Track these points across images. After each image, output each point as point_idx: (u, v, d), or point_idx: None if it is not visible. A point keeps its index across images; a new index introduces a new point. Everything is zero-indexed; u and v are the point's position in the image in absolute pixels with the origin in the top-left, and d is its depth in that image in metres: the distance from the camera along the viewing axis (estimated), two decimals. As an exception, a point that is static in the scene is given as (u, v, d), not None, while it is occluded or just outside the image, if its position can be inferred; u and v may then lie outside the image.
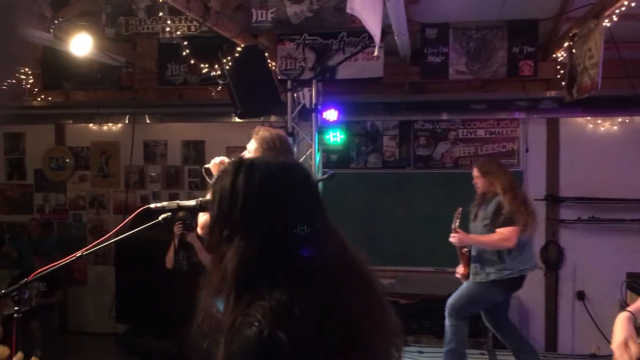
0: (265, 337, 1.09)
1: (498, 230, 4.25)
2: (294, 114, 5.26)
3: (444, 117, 6.26)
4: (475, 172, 4.53)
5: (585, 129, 6.06)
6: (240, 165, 1.26)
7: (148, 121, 6.62)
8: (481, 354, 4.94)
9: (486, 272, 4.33)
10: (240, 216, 1.20)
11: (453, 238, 4.38)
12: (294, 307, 1.11)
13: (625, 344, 1.69)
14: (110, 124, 6.94)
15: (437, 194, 6.36)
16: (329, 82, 5.63)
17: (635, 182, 5.77)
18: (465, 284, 4.46)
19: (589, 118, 6.01)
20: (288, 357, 1.09)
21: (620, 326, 1.77)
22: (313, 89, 5.07)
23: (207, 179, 3.51)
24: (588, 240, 5.98)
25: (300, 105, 5.29)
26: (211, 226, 1.25)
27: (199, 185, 6.77)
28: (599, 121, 6.00)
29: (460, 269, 4.57)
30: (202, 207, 2.09)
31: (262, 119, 5.84)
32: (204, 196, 3.05)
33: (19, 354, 1.20)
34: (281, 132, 3.18)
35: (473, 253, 4.44)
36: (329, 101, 5.33)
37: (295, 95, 5.30)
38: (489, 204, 4.37)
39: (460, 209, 4.48)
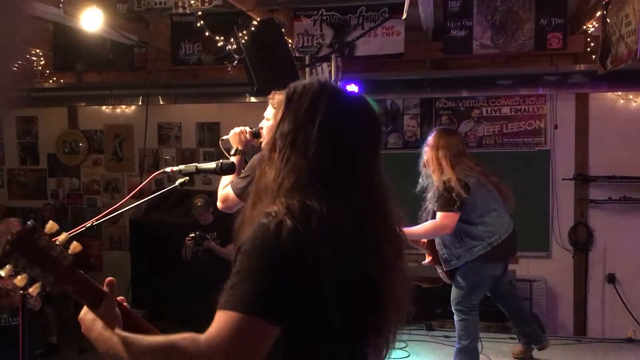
0: (274, 222, 1.14)
1: (438, 214, 3.84)
2: (312, 91, 5.06)
3: (467, 94, 6.03)
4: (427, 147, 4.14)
5: (616, 105, 5.80)
6: (324, 87, 1.33)
7: (162, 102, 6.47)
8: (510, 338, 4.74)
9: (456, 256, 3.94)
10: (315, 131, 1.26)
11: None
12: (313, 215, 1.16)
13: None
14: (123, 107, 6.79)
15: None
16: (348, 59, 5.43)
17: (669, 160, 5.53)
18: (457, 277, 4.03)
19: (620, 93, 5.74)
20: (286, 249, 1.12)
21: None
22: (332, 65, 4.86)
23: (225, 153, 3.35)
24: (619, 221, 5.74)
25: (318, 80, 5.09)
26: (275, 136, 1.33)
27: (215, 168, 6.60)
28: (631, 96, 5.73)
29: (427, 259, 4.22)
30: (223, 170, 1.91)
31: (279, 97, 5.65)
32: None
33: (63, 235, 1.26)
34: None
35: (436, 242, 4.05)
36: (348, 78, 5.13)
37: (313, 71, 5.10)
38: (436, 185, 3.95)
39: None
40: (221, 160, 2.01)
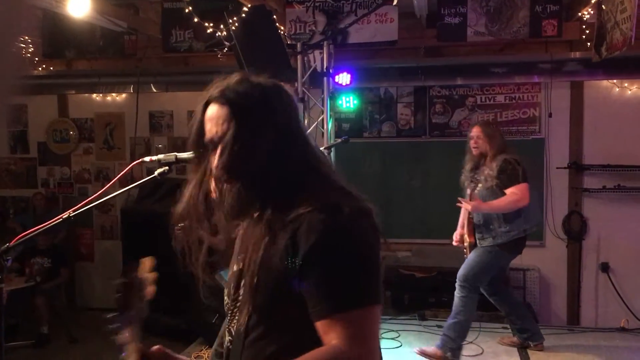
0: (348, 214, 1.12)
1: (508, 190, 4.05)
2: (304, 79, 5.00)
3: (461, 82, 5.96)
4: (478, 132, 4.30)
5: (611, 93, 5.75)
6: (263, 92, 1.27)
7: (153, 90, 6.39)
8: (503, 327, 4.72)
9: (492, 235, 4.16)
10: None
11: (468, 205, 4.16)
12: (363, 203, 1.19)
13: None
14: (114, 94, 6.71)
15: (454, 164, 6.06)
16: (340, 46, 5.36)
17: (664, 149, 5.49)
18: (473, 254, 4.25)
19: (615, 81, 5.69)
20: (370, 235, 1.15)
21: None
22: (324, 52, 4.81)
23: None
24: (613, 209, 5.71)
25: (311, 69, 5.03)
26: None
27: (207, 157, 6.54)
28: (626, 84, 5.68)
29: (465, 239, 4.36)
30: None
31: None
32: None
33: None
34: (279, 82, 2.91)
35: (477, 219, 4.24)
36: (340, 66, 5.07)
37: (305, 58, 5.04)
38: (489, 166, 4.17)
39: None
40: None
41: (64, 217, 1.75)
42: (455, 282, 4.20)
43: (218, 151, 1.20)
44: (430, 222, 6.11)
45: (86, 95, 6.77)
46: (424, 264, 5.95)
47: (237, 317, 1.22)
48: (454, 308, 4.19)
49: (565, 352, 4.35)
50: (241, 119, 1.19)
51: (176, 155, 1.80)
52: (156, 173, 1.77)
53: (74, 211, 1.76)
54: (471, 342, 4.40)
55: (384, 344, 4.10)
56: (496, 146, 4.22)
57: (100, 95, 6.73)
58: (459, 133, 6.12)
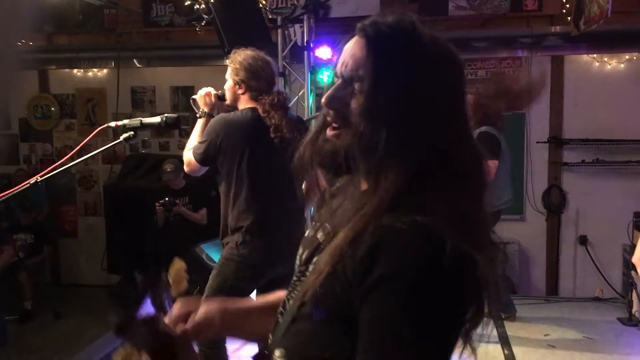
0: (454, 257, 0.80)
1: None
2: (284, 53, 4.99)
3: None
4: (470, 100, 4.27)
5: (591, 68, 5.79)
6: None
7: (134, 66, 6.34)
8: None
9: None
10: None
11: None
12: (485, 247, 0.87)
13: None
14: (95, 70, 6.65)
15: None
16: (322, 20, 5.34)
17: (642, 123, 5.55)
18: None
19: (595, 56, 5.72)
20: (466, 296, 0.85)
21: None
22: (305, 25, 4.79)
23: (195, 110, 3.32)
24: (591, 183, 5.79)
25: (292, 43, 5.01)
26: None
27: (190, 133, 6.52)
28: (605, 59, 5.72)
29: None
30: (167, 124, 1.87)
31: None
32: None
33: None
34: (258, 52, 2.92)
35: None
36: (322, 40, 5.05)
37: (286, 32, 5.01)
38: None
39: None
40: (165, 115, 1.98)
41: (31, 182, 1.76)
42: None
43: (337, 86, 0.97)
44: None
45: (67, 70, 6.70)
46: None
47: (296, 292, 1.00)
48: None
49: (539, 322, 4.45)
50: (376, 58, 0.94)
51: (141, 120, 1.82)
52: (121, 138, 1.78)
53: (41, 176, 1.77)
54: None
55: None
56: (477, 118, 4.12)
57: (81, 70, 6.67)
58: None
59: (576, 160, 5.80)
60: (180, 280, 1.03)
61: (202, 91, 3.00)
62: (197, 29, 4.57)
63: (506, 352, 3.88)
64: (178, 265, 1.05)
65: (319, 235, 1.00)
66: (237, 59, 2.83)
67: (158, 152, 6.61)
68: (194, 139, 2.87)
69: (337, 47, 5.12)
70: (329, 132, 0.97)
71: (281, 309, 1.03)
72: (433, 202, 0.86)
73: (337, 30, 5.67)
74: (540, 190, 5.94)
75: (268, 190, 2.75)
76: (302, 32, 4.82)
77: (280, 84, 5.02)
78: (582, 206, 5.86)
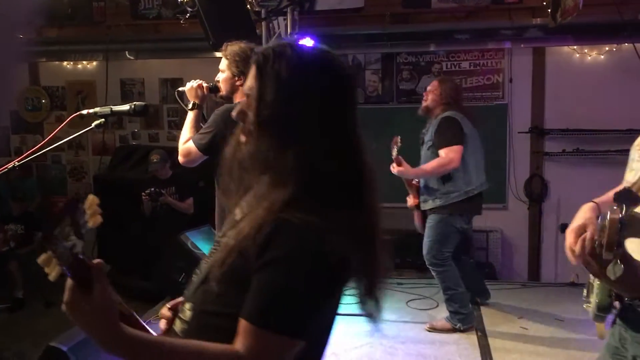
0: (317, 236, 1.06)
1: (440, 151, 3.96)
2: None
3: (427, 48, 6.07)
4: (433, 87, 4.22)
5: (572, 59, 5.90)
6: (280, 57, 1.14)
7: (123, 58, 6.42)
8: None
9: (432, 198, 4.08)
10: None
11: (393, 169, 4.07)
12: (345, 229, 1.09)
13: (583, 229, 1.58)
14: (84, 62, 6.73)
15: (421, 130, 6.23)
16: (306, 13, 5.42)
17: (621, 113, 5.65)
18: (427, 231, 4.17)
19: (575, 47, 5.83)
20: (333, 270, 1.09)
21: (582, 214, 1.69)
22: (288, 18, 4.87)
23: (181, 103, 3.39)
24: (572, 172, 5.91)
25: (276, 35, 5.09)
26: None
27: (179, 125, 6.63)
28: (586, 50, 5.83)
29: (410, 200, 4.35)
30: (136, 112, 1.97)
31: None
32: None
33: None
34: (252, 45, 3.01)
35: (421, 182, 4.19)
36: (306, 32, 5.14)
37: (270, 25, 5.09)
38: (432, 124, 4.13)
39: (399, 137, 4.18)
40: (134, 102, 2.07)
41: (8, 167, 1.85)
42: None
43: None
44: (397, 187, 6.24)
45: (57, 63, 6.78)
46: (392, 227, 6.08)
47: (212, 257, 1.21)
48: (440, 285, 4.15)
49: (515, 306, 4.57)
50: (259, 78, 1.15)
51: (111, 108, 1.92)
52: (93, 125, 1.88)
53: (18, 161, 1.87)
54: (428, 297, 4.61)
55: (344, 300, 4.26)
56: (441, 103, 4.13)
57: (71, 63, 6.75)
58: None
59: (557, 150, 5.92)
60: (94, 213, 1.12)
61: (191, 84, 3.06)
62: (181, 22, 4.64)
63: (479, 334, 4.01)
64: (92, 199, 1.13)
65: (237, 214, 1.21)
66: (234, 51, 2.88)
67: (147, 143, 6.70)
68: (187, 130, 2.93)
69: (320, 40, 5.21)
70: (242, 139, 1.19)
71: (197, 270, 1.26)
72: (322, 204, 1.09)
73: (320, 22, 5.77)
74: (523, 179, 6.06)
75: None
76: (286, 25, 4.90)
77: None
78: (563, 195, 5.98)
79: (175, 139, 6.27)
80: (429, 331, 4.11)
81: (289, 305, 1.05)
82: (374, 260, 1.17)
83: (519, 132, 5.98)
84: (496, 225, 6.00)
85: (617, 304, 1.67)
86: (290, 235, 1.06)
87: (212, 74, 3.07)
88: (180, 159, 2.94)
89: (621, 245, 1.19)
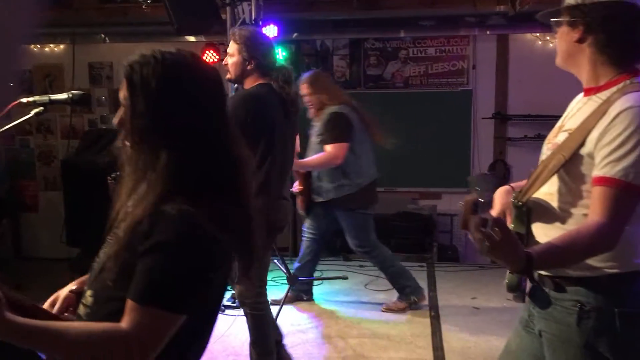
0: (196, 222, 1.19)
1: (326, 147, 4.05)
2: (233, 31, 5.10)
3: (393, 34, 6.14)
4: (305, 91, 4.19)
5: (535, 46, 6.01)
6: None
7: (91, 41, 6.39)
8: (420, 265, 5.09)
9: (325, 190, 4.17)
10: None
11: None
12: (222, 218, 1.23)
13: (503, 214, 1.76)
14: (52, 46, 6.69)
15: (388, 114, 6.32)
16: (272, -2, 5.45)
17: (581, 99, 5.78)
18: (344, 227, 4.28)
19: (538, 34, 5.94)
20: (210, 250, 1.21)
21: (499, 199, 1.84)
22: (252, 3, 4.90)
23: None
24: (534, 157, 5.84)
25: (240, 20, 5.12)
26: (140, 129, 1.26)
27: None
28: (548, 37, 5.93)
29: (296, 186, 4.34)
30: (74, 101, 2.02)
31: (204, 37, 5.69)
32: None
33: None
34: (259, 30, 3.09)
35: (314, 173, 4.24)
36: (272, 17, 5.17)
37: (235, 10, 5.12)
38: (321, 119, 4.16)
39: None
40: (72, 91, 2.12)
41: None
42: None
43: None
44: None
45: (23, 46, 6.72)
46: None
47: (107, 247, 1.33)
48: (378, 268, 4.31)
49: (470, 288, 4.72)
50: (128, 87, 1.29)
51: (49, 97, 1.97)
52: (32, 113, 1.93)
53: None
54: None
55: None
56: (322, 100, 4.16)
57: (38, 46, 6.70)
58: (392, 85, 6.34)
59: (519, 136, 6.05)
60: None
61: None
62: (143, 7, 4.66)
63: (432, 314, 4.15)
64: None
65: (130, 206, 1.31)
66: (244, 35, 2.94)
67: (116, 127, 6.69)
68: None
69: (286, 25, 5.26)
70: (124, 144, 1.32)
71: (97, 258, 1.39)
72: (195, 196, 1.22)
73: (286, 8, 5.80)
74: (487, 164, 6.19)
75: (283, 161, 2.96)
76: (250, 10, 4.93)
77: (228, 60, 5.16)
78: (525, 179, 6.11)
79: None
80: (384, 311, 4.23)
81: (168, 284, 1.18)
82: (247, 243, 1.31)
83: (482, 118, 6.10)
84: (460, 208, 6.12)
85: (528, 283, 1.78)
86: (167, 223, 1.19)
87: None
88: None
89: (486, 225, 1.31)
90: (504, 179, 6.17)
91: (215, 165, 1.28)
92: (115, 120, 1.33)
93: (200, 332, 1.32)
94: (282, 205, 2.99)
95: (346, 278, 4.46)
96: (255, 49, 2.89)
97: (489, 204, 1.39)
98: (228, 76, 3.03)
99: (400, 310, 4.20)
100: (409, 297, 4.21)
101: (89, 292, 1.34)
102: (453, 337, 3.76)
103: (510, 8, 4.90)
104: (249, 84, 2.95)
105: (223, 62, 3.09)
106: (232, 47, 2.97)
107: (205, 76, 1.32)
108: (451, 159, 6.17)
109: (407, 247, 5.74)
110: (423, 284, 4.78)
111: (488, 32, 5.94)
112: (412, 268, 5.16)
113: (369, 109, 6.33)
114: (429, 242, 5.83)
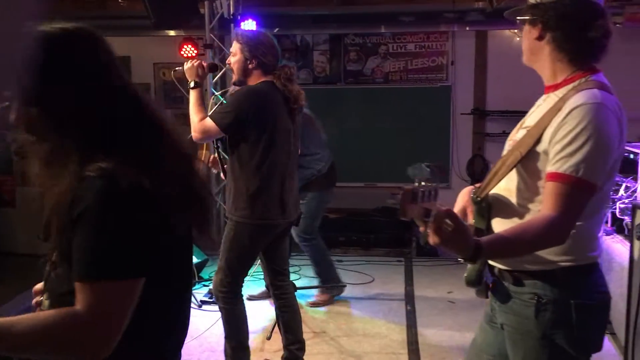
0: (118, 181, 1.11)
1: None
2: (212, 25, 5.09)
3: (373, 30, 6.15)
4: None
5: (513, 43, 6.04)
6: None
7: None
8: (398, 260, 5.13)
9: None
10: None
11: None
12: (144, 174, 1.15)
13: (463, 211, 1.78)
14: (29, 39, 6.61)
15: (368, 110, 6.36)
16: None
17: (558, 95, 5.84)
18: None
19: (516, 31, 5.97)
20: (136, 206, 1.12)
21: (461, 197, 1.87)
22: (231, -3, 4.89)
23: (177, 83, 3.42)
24: (512, 153, 6.08)
25: (219, 15, 5.11)
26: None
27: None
28: (526, 34, 5.98)
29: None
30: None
31: (183, 31, 5.66)
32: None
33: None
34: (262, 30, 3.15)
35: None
36: (251, 12, 5.15)
37: (214, 5, 5.11)
38: None
39: None
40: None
41: None
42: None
43: None
44: (345, 167, 6.35)
45: None
46: (337, 206, 6.25)
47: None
48: (310, 259, 4.41)
49: (447, 281, 4.75)
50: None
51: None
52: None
53: None
54: (364, 273, 4.76)
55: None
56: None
57: (15, 39, 6.62)
58: (372, 80, 6.36)
59: (498, 131, 6.09)
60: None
61: (191, 63, 3.10)
62: (120, 1, 4.62)
63: (409, 307, 4.18)
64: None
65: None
66: (246, 35, 3.03)
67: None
68: (196, 109, 2.98)
69: (265, 20, 5.24)
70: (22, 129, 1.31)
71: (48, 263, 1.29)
72: (115, 154, 1.16)
73: (263, 3, 5.79)
74: (465, 159, 6.24)
75: (285, 158, 2.98)
76: (228, 5, 4.92)
77: (208, 55, 5.15)
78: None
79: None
80: (311, 306, 4.26)
81: (106, 251, 1.10)
82: (183, 196, 1.21)
83: (461, 114, 6.14)
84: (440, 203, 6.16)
85: (489, 277, 1.81)
86: (86, 187, 1.11)
87: (160, 52, 3.09)
88: (197, 135, 2.98)
89: (429, 215, 1.34)
90: (483, 174, 6.22)
91: (133, 120, 1.22)
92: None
93: (171, 304, 1.26)
94: (283, 204, 2.99)
95: (344, 285, 4.43)
96: (257, 48, 2.94)
97: (429, 194, 1.40)
98: (233, 78, 3.10)
99: (325, 303, 4.29)
100: (332, 292, 4.33)
101: (44, 296, 1.27)
102: (428, 331, 3.80)
103: (488, 4, 4.94)
104: (252, 82, 3.00)
105: (227, 62, 3.14)
106: (235, 47, 3.03)
107: (84, 33, 1.37)
108: (431, 155, 6.20)
109: (386, 242, 5.78)
110: (400, 278, 4.83)
111: (467, 28, 5.99)
112: (391, 263, 5.23)
113: (349, 104, 6.41)
114: (408, 236, 5.86)
